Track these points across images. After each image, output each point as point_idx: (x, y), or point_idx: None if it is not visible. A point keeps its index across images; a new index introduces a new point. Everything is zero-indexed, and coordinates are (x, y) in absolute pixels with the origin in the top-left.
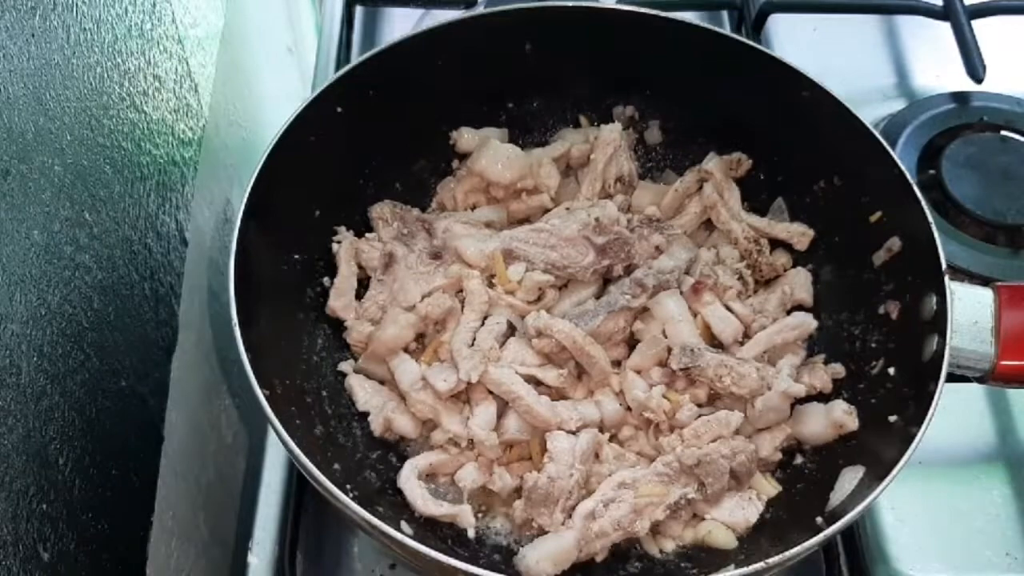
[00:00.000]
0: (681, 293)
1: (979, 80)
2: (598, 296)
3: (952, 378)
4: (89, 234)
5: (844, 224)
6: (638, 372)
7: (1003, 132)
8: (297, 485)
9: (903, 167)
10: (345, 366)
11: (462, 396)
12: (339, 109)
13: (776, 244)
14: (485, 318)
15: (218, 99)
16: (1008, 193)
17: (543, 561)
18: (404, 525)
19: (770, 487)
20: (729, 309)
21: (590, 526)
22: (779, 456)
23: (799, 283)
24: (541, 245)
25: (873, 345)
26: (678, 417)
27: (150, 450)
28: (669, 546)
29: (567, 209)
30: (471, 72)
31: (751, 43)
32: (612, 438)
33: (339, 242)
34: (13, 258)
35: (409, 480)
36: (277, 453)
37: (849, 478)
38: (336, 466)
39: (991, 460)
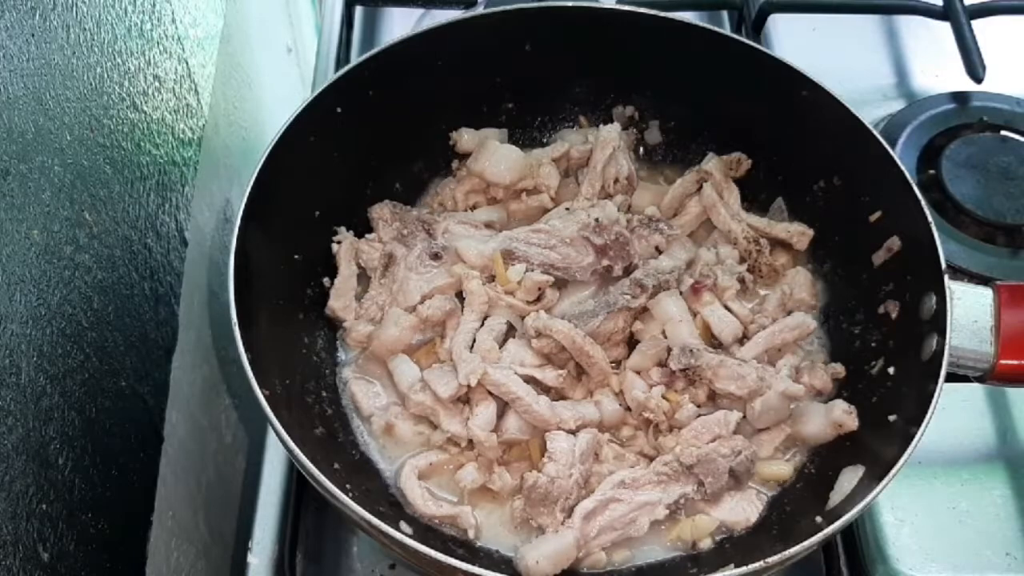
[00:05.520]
0: (680, 293)
1: (979, 80)
2: (598, 296)
3: (952, 378)
4: (89, 234)
5: (844, 224)
6: (638, 372)
7: (1003, 132)
8: (297, 485)
9: (903, 167)
10: (347, 372)
11: (462, 396)
12: (339, 109)
13: (776, 244)
14: (485, 318)
15: (218, 99)
16: (1008, 193)
17: (543, 561)
18: (404, 525)
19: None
20: (728, 309)
21: (590, 526)
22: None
23: (799, 283)
24: (541, 245)
25: (873, 345)
26: (677, 417)
27: (150, 450)
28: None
29: (567, 210)
30: (471, 72)
31: (751, 43)
32: (612, 438)
33: (339, 242)
34: (13, 258)
35: (409, 480)
36: (277, 453)
37: (849, 478)
38: (336, 466)
39: (991, 460)
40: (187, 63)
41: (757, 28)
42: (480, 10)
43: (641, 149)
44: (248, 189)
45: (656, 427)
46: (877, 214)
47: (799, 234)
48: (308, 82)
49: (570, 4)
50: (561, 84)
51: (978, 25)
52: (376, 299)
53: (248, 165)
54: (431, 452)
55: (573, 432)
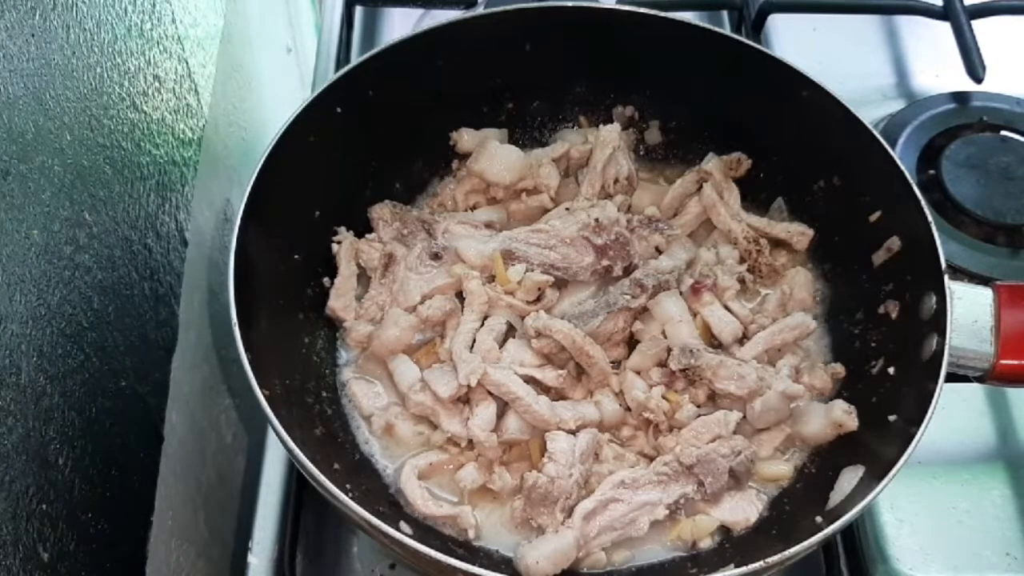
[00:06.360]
0: (680, 293)
1: (979, 80)
2: (598, 296)
3: (952, 378)
4: (89, 234)
5: (844, 224)
6: (638, 372)
7: (1003, 132)
8: (297, 485)
9: (903, 167)
10: (347, 372)
11: (462, 396)
12: (339, 109)
13: (776, 244)
14: (485, 318)
15: (218, 99)
16: (1008, 193)
17: (543, 561)
18: (404, 525)
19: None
20: (728, 309)
21: (590, 526)
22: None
23: (799, 283)
24: (541, 246)
25: (873, 345)
26: (677, 417)
27: (150, 450)
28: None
29: (567, 210)
30: (471, 72)
31: (751, 43)
32: (612, 438)
33: (339, 242)
34: (13, 258)
35: (409, 480)
36: (277, 453)
37: (849, 478)
38: (336, 466)
39: (991, 460)
40: (187, 63)
41: (757, 28)
42: (480, 10)
43: (641, 149)
44: (248, 189)
45: (656, 427)
46: (877, 214)
47: (799, 234)
48: (308, 82)
49: (570, 4)
50: (561, 84)
51: (978, 25)
52: (376, 299)
53: (248, 165)
54: (431, 452)
55: (573, 432)
